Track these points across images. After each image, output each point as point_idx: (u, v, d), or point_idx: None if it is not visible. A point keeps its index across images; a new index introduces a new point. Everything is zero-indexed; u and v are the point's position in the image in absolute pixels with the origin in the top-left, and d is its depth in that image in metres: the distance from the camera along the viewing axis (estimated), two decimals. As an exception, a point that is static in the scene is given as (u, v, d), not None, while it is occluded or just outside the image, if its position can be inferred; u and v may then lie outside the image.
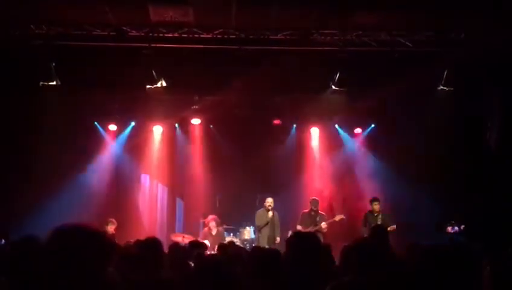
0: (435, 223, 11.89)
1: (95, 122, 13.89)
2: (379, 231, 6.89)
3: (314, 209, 12.41)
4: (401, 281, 3.38)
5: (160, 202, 13.74)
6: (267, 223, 11.99)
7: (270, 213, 12.03)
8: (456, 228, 11.58)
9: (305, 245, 3.24)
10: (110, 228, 11.74)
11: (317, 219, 12.31)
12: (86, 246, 2.37)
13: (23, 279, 3.27)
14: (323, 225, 12.07)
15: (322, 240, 11.51)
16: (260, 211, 12.27)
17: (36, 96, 12.07)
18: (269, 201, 12.17)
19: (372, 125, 14.32)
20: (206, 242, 11.84)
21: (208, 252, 11.21)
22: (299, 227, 12.07)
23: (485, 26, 10.64)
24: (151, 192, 13.90)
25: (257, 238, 12.18)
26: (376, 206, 12.00)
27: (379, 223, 11.37)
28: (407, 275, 3.62)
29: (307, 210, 12.51)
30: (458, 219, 11.77)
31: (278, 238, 11.88)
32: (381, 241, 5.84)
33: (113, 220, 11.94)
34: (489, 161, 12.47)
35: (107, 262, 2.50)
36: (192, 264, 6.13)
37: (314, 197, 12.64)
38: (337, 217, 12.33)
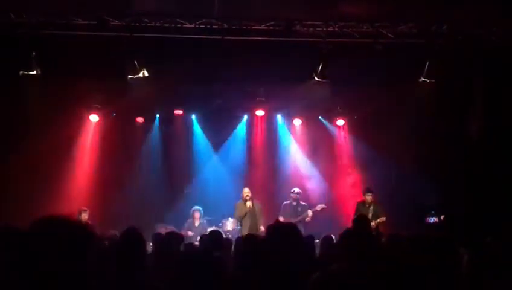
0: (417, 213, 12.02)
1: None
2: (360, 220, 6.96)
3: (296, 199, 12.46)
4: (385, 270, 3.42)
5: (144, 193, 13.66)
6: (245, 214, 12.00)
7: (248, 203, 12.02)
8: (436, 219, 11.72)
9: (283, 235, 3.26)
10: (84, 217, 11.68)
11: (299, 209, 12.37)
12: (65, 236, 2.37)
13: (4, 269, 3.25)
14: (309, 213, 12.15)
15: (303, 230, 11.60)
16: (238, 203, 12.24)
17: (16, 86, 11.92)
18: (246, 191, 12.14)
19: (355, 117, 14.40)
20: (190, 233, 11.89)
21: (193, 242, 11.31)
22: (281, 218, 12.10)
23: (466, 17, 10.71)
24: (133, 183, 13.82)
25: (239, 230, 12.21)
26: (368, 197, 12.07)
27: (370, 214, 11.51)
28: (389, 264, 3.66)
29: (288, 201, 12.56)
30: (438, 210, 11.91)
31: (262, 227, 11.90)
32: (362, 230, 5.88)
33: (85, 208, 11.87)
34: (471, 152, 12.60)
35: (86, 252, 2.50)
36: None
37: (294, 188, 12.67)
38: (319, 207, 12.41)
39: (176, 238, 6.78)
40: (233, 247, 7.40)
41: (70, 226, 2.44)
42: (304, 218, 12.11)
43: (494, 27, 11.23)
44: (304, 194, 13.03)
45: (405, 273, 3.40)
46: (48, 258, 2.30)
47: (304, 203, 12.55)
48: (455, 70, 11.85)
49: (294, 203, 12.47)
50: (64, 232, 2.39)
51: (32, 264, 2.31)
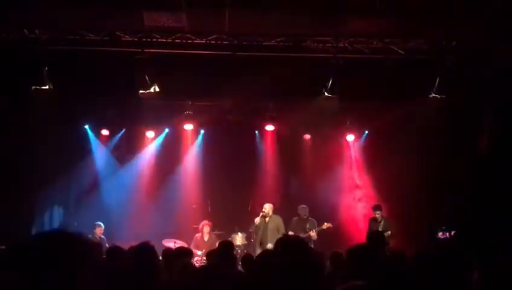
0: (427, 229, 11.97)
1: (86, 127, 13.89)
2: (374, 237, 6.93)
3: (304, 216, 12.45)
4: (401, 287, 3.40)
5: (152, 207, 13.69)
6: (257, 229, 12.08)
7: (257, 219, 12.17)
8: (447, 234, 11.66)
9: (292, 249, 3.26)
10: (98, 232, 11.85)
11: (307, 225, 12.34)
12: (66, 249, 2.38)
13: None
14: (312, 233, 12.11)
15: (312, 246, 11.58)
16: (257, 218, 12.34)
17: (28, 101, 12.02)
18: (264, 207, 12.30)
19: (366, 132, 14.39)
20: (199, 252, 11.86)
21: (200, 259, 11.30)
22: (290, 233, 12.10)
23: (476, 34, 10.71)
24: (143, 197, 13.86)
25: (248, 245, 12.24)
26: (378, 215, 12.15)
27: (380, 229, 11.53)
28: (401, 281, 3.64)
29: (297, 217, 12.55)
30: (449, 225, 11.84)
31: (270, 245, 11.92)
32: (375, 247, 5.87)
33: (100, 223, 12.03)
34: (481, 167, 12.54)
35: (86, 267, 2.51)
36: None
37: (302, 205, 12.66)
38: (325, 226, 12.32)
39: (186, 253, 6.80)
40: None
41: (67, 242, 2.45)
42: (309, 236, 12.06)
43: (503, 43, 11.22)
44: (314, 209, 12.99)
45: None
46: (44, 274, 2.32)
47: (312, 219, 12.51)
48: (465, 86, 11.82)
49: (303, 219, 12.45)
50: (61, 248, 2.41)
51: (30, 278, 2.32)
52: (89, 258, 2.58)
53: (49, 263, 2.35)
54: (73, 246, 2.45)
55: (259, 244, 11.94)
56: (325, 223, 12.37)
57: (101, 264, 5.30)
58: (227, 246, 7.25)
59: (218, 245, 7.70)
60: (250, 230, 12.32)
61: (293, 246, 3.31)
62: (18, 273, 2.35)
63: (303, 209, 12.55)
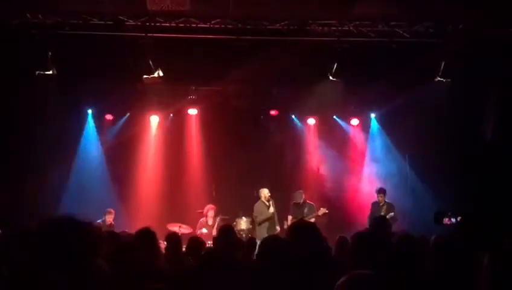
0: (434, 214, 11.95)
1: (88, 111, 13.87)
2: (379, 221, 6.93)
3: (300, 201, 12.43)
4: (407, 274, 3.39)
5: (157, 192, 13.71)
6: (268, 219, 12.12)
7: (272, 209, 12.19)
8: (453, 220, 11.64)
9: (306, 234, 3.25)
10: (109, 218, 11.91)
11: (305, 210, 12.33)
12: (74, 236, 2.40)
13: (15, 268, 3.29)
14: (311, 219, 12.08)
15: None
16: (259, 205, 12.32)
17: (32, 86, 12.00)
18: (266, 192, 12.27)
19: (373, 115, 14.35)
20: (204, 230, 11.89)
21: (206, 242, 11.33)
22: (289, 217, 12.20)
23: (483, 17, 10.63)
24: (147, 181, 13.88)
25: (255, 229, 12.23)
26: (381, 198, 12.18)
27: (383, 213, 11.58)
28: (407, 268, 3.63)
29: (293, 202, 12.56)
30: (455, 211, 11.81)
31: (278, 228, 11.99)
32: (381, 231, 5.87)
33: (111, 210, 12.08)
34: (486, 152, 12.49)
35: (95, 252, 2.53)
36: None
37: (298, 191, 12.62)
38: (321, 212, 12.28)
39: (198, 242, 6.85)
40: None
41: (75, 228, 2.46)
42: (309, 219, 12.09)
43: (510, 27, 11.13)
44: (318, 193, 12.99)
45: (423, 277, 3.38)
46: (54, 257, 2.33)
47: (310, 203, 12.50)
48: (471, 70, 11.75)
49: (299, 204, 12.43)
50: (71, 233, 2.42)
51: (42, 265, 2.34)
52: (97, 245, 2.59)
53: (59, 249, 2.36)
54: (82, 232, 2.46)
55: (267, 229, 11.95)
56: (321, 209, 12.31)
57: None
58: (226, 231, 7.27)
59: (218, 231, 7.73)
60: (255, 214, 12.29)
61: (307, 232, 3.30)
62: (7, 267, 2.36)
63: (298, 194, 12.53)
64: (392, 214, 11.68)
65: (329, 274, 3.29)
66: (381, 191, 12.30)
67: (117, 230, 9.46)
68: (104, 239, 5.18)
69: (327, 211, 12.32)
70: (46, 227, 2.45)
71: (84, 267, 2.38)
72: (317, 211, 12.28)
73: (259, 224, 12.20)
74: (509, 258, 3.28)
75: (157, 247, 5.70)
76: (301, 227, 3.55)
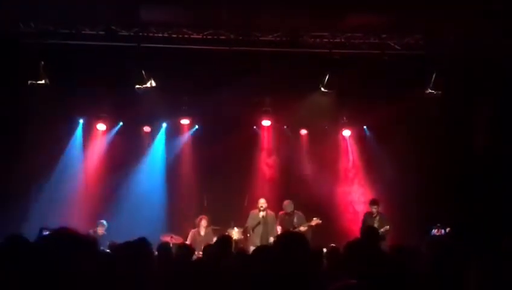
0: (421, 226, 12.00)
1: (80, 121, 13.86)
2: (370, 232, 6.96)
3: (289, 211, 12.42)
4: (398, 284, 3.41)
5: (149, 202, 13.68)
6: (258, 223, 12.10)
7: (262, 213, 12.15)
8: (442, 231, 11.69)
9: (294, 244, 3.27)
10: (100, 230, 11.86)
11: (295, 220, 12.30)
12: (74, 251, 2.43)
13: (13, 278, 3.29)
14: (302, 228, 12.08)
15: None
16: (253, 212, 12.35)
17: (24, 96, 11.98)
18: (261, 202, 12.29)
19: (365, 128, 14.40)
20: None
21: (196, 253, 11.30)
22: (278, 228, 12.19)
23: (474, 29, 10.72)
24: (139, 191, 13.85)
25: (249, 238, 12.22)
26: (374, 209, 12.14)
27: (376, 224, 11.53)
28: (398, 276, 3.65)
29: (283, 212, 12.54)
30: (444, 222, 11.86)
31: (272, 238, 11.95)
32: (371, 242, 5.89)
33: (103, 222, 12.05)
34: (476, 164, 12.56)
35: (93, 264, 2.55)
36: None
37: (286, 200, 12.60)
38: (313, 221, 12.25)
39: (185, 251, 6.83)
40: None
41: (72, 239, 2.50)
42: (298, 231, 12.06)
43: (500, 39, 11.24)
44: (310, 204, 12.98)
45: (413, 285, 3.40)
46: (52, 267, 2.36)
47: (298, 213, 12.45)
48: (462, 82, 11.84)
49: (289, 213, 12.40)
50: (67, 245, 2.45)
51: (40, 276, 2.36)
52: (95, 257, 2.63)
53: (58, 262, 2.39)
54: (80, 245, 2.50)
55: (259, 239, 11.93)
56: (314, 219, 12.25)
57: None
58: (225, 241, 7.26)
59: (217, 240, 7.72)
60: (247, 225, 12.30)
61: (295, 241, 3.32)
62: (19, 272, 2.38)
63: (288, 204, 12.48)
64: (387, 227, 11.64)
65: (318, 284, 3.31)
66: (374, 203, 12.27)
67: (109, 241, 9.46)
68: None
69: (320, 221, 12.30)
70: (47, 241, 2.49)
71: (83, 278, 2.41)
72: (310, 221, 12.27)
73: (252, 230, 12.21)
74: (494, 272, 3.32)
75: (152, 258, 5.69)
76: (288, 237, 3.57)
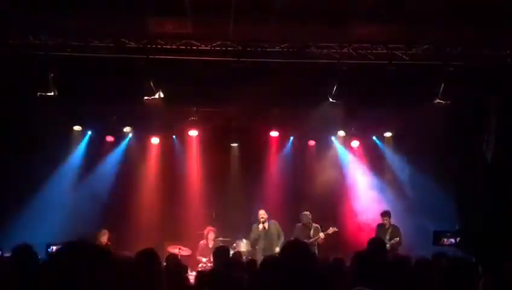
0: (434, 235, 11.92)
1: (88, 132, 13.92)
2: (376, 243, 6.90)
3: (307, 223, 12.40)
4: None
5: (157, 213, 13.70)
6: (258, 236, 12.07)
7: (261, 226, 12.18)
8: (452, 240, 11.61)
9: (297, 253, 3.25)
10: (103, 239, 11.83)
11: (311, 231, 12.29)
12: (92, 262, 2.46)
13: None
14: (321, 235, 12.09)
15: (316, 252, 11.57)
16: (254, 225, 12.32)
17: (33, 108, 12.05)
18: (260, 213, 12.30)
19: (374, 138, 14.37)
20: (203, 259, 11.79)
21: (205, 265, 11.28)
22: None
23: (482, 39, 10.69)
24: (148, 203, 13.87)
25: (252, 252, 12.18)
26: (386, 221, 12.16)
27: (388, 236, 11.63)
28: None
29: (300, 223, 12.51)
30: (454, 231, 11.78)
31: (277, 249, 11.88)
32: (378, 253, 5.84)
33: (106, 230, 12.03)
34: (486, 173, 12.46)
35: (104, 275, 2.57)
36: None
37: (305, 212, 12.59)
38: (330, 230, 12.28)
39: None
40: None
41: (86, 250, 2.51)
42: (316, 240, 12.08)
43: (509, 49, 11.20)
44: (321, 215, 12.95)
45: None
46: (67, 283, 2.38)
47: (316, 225, 12.47)
48: (471, 91, 11.78)
49: (307, 226, 12.40)
50: (82, 256, 2.47)
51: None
52: (113, 267, 2.65)
53: (78, 274, 2.41)
54: (97, 256, 2.52)
55: (262, 251, 11.89)
56: (331, 228, 12.32)
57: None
58: (221, 252, 7.28)
59: (213, 252, 7.74)
60: (253, 237, 12.27)
61: (299, 251, 3.30)
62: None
63: (305, 216, 12.49)
64: (397, 239, 11.65)
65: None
66: (386, 214, 12.26)
67: (114, 250, 9.42)
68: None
69: (337, 230, 12.33)
70: (60, 253, 2.51)
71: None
72: (327, 229, 12.26)
73: (252, 246, 12.19)
74: (505, 280, 3.27)
75: (159, 269, 5.66)
76: (292, 245, 3.55)
